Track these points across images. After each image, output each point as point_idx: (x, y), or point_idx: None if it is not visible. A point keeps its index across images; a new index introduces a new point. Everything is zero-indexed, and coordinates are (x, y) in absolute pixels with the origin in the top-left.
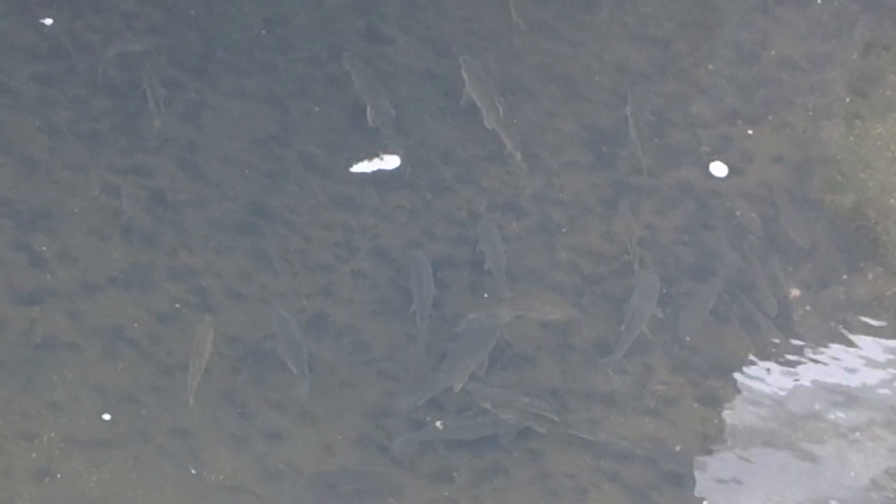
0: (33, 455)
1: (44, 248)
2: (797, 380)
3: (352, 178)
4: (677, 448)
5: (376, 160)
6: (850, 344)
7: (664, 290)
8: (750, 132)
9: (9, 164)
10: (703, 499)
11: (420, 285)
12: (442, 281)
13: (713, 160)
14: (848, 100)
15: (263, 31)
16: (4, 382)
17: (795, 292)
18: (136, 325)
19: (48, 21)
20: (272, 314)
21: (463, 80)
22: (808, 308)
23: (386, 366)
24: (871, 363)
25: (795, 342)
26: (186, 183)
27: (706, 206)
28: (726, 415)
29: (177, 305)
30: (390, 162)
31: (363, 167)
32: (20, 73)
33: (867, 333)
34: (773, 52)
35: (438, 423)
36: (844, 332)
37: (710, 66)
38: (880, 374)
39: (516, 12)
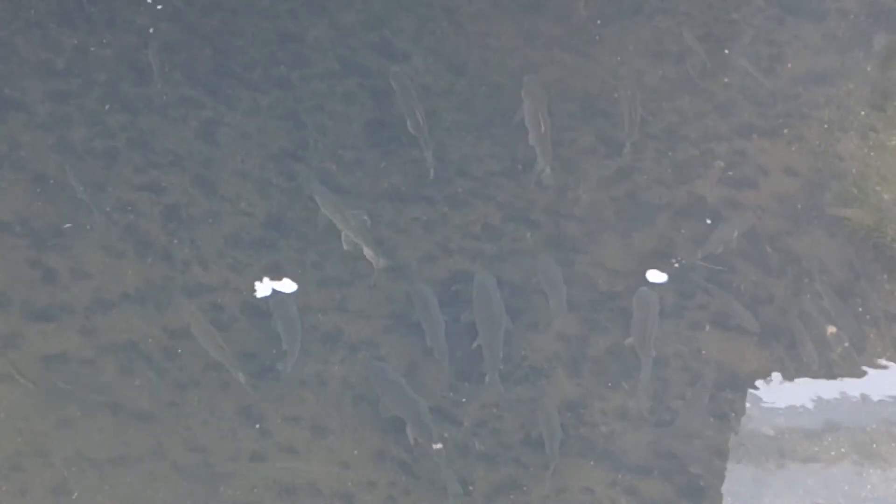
0: (48, 473)
1: (58, 265)
2: (814, 392)
3: (367, 194)
4: (693, 462)
5: (266, 281)
6: (867, 357)
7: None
8: (765, 145)
9: (23, 181)
10: None
11: (429, 318)
12: (457, 294)
13: (650, 269)
14: (863, 113)
15: (278, 48)
16: (20, 399)
17: (832, 329)
18: (150, 340)
19: None
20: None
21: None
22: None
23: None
24: (889, 377)
25: (812, 355)
26: (201, 199)
27: (720, 218)
28: (742, 428)
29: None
30: (287, 286)
31: (262, 290)
32: (34, 90)
33: (884, 347)
34: (788, 66)
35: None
36: (861, 345)
37: (726, 80)
38: None
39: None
